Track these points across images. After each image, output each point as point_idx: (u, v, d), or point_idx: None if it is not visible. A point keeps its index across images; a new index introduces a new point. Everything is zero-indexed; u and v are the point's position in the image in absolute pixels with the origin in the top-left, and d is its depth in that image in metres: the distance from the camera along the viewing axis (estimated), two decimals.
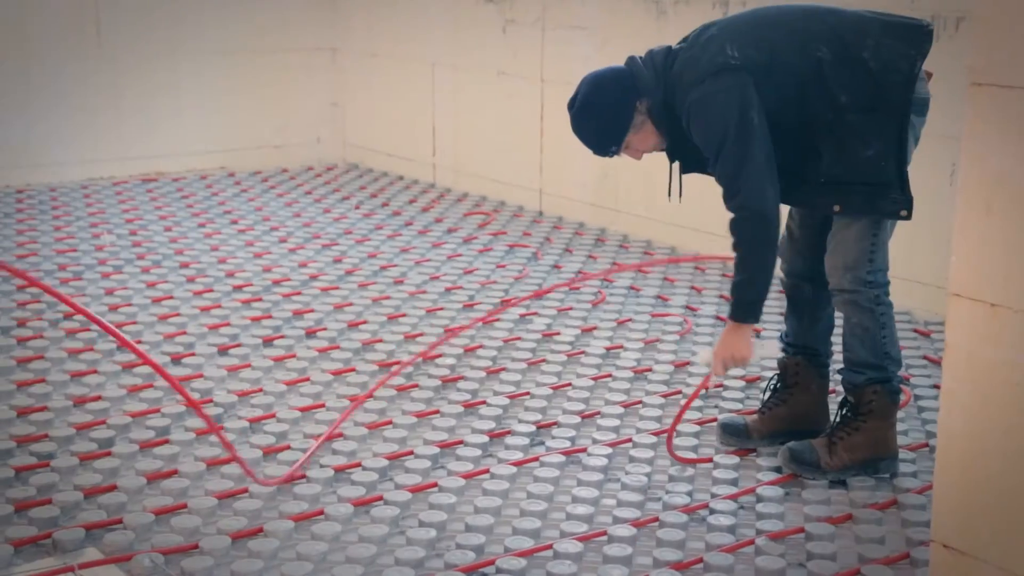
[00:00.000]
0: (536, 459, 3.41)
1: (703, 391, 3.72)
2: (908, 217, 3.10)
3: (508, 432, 3.58)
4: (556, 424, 3.66)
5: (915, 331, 4.47)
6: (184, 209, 6.19)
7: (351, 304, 4.74)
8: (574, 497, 3.20)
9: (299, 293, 4.87)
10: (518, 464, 3.38)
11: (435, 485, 3.24)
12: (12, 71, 6.35)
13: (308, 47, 7.30)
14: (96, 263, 5.17)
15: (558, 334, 4.46)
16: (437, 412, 3.74)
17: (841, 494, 3.24)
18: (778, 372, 3.50)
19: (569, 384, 3.98)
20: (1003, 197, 2.37)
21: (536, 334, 4.46)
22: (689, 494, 3.22)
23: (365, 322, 4.54)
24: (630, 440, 3.53)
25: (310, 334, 4.42)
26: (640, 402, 3.83)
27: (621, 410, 3.76)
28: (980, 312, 2.41)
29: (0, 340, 4.22)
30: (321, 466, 3.34)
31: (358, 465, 3.35)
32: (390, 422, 3.64)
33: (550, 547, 2.93)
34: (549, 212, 6.26)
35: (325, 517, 3.07)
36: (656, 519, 3.07)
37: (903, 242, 4.72)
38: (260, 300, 4.77)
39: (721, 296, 4.91)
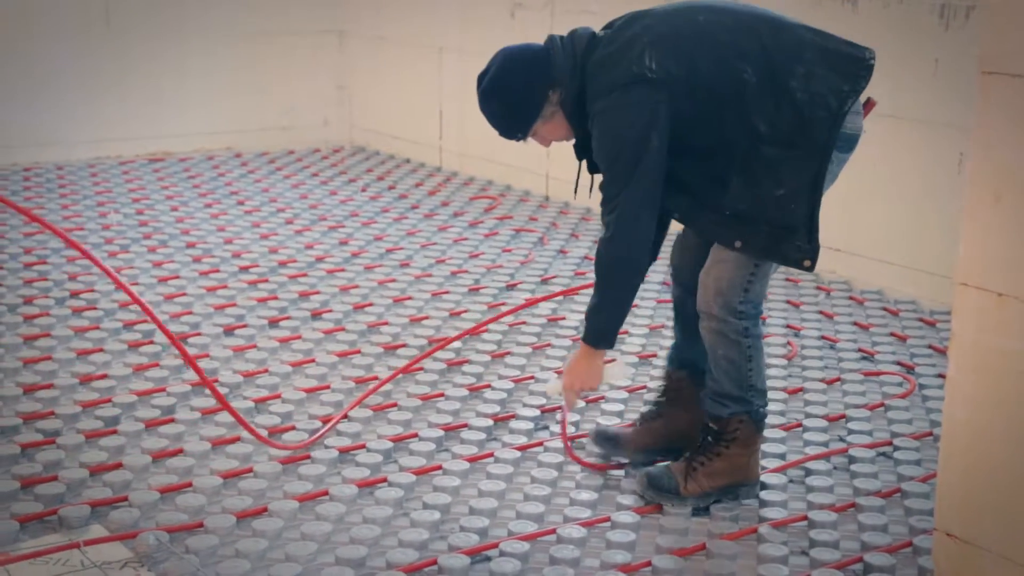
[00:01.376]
0: (540, 444, 3.42)
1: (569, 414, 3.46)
2: (811, 268, 2.89)
3: (512, 416, 3.59)
4: (560, 409, 3.66)
5: (920, 320, 4.47)
6: (191, 189, 6.19)
7: (357, 286, 4.75)
8: (578, 483, 3.21)
9: (305, 275, 4.88)
10: (522, 448, 3.39)
11: (439, 468, 3.25)
12: (20, 50, 6.34)
13: (315, 30, 7.29)
14: (103, 242, 5.18)
15: (563, 319, 4.47)
16: (442, 395, 3.75)
17: (844, 482, 3.24)
18: (660, 384, 3.36)
19: None
20: (1012, 186, 2.37)
21: (542, 319, 4.46)
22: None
23: (371, 304, 4.54)
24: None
25: (316, 315, 4.42)
26: (645, 387, 3.83)
27: (625, 395, 3.76)
28: (987, 301, 2.41)
29: (7, 317, 4.24)
30: (326, 447, 3.35)
31: (363, 447, 3.36)
32: (395, 404, 3.65)
33: (553, 531, 2.94)
34: (556, 197, 6.26)
35: (329, 498, 3.08)
36: (659, 508, 3.08)
37: (910, 230, 4.73)
38: (266, 281, 4.78)
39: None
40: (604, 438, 3.30)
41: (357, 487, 3.13)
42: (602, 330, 3.00)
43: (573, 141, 3.07)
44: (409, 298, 4.64)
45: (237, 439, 3.38)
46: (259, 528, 2.91)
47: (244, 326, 4.28)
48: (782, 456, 3.37)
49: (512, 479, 3.23)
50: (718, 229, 2.94)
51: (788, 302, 4.69)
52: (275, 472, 3.21)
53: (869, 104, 3.01)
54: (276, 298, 4.58)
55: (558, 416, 3.39)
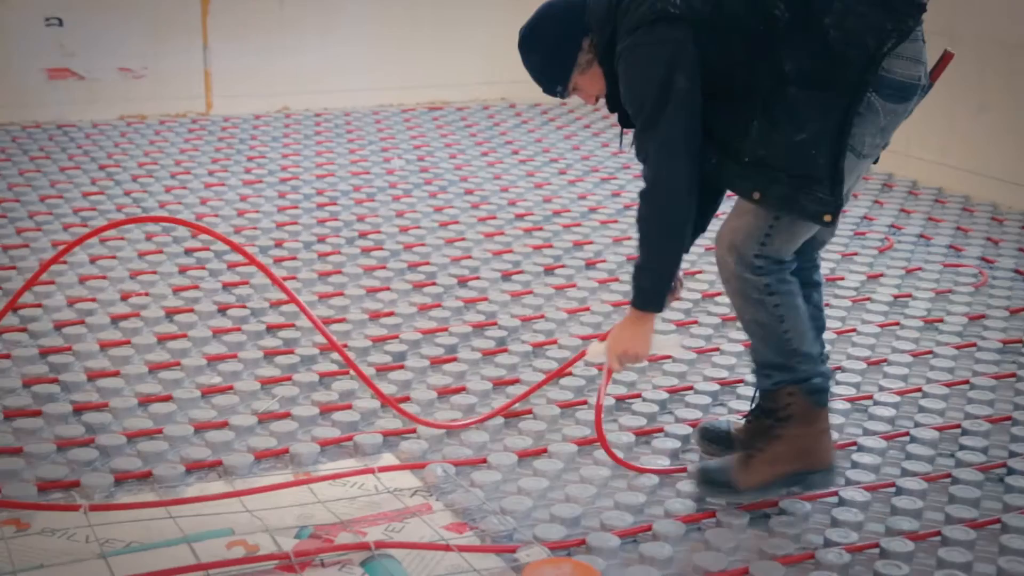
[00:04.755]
0: None
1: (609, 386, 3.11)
2: (832, 224, 2.64)
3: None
4: (840, 369, 3.58)
5: None
6: (468, 138, 6.35)
7: (628, 237, 4.77)
8: (860, 446, 3.12)
9: (579, 224, 4.94)
10: None
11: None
12: (321, 4, 6.67)
13: None
14: (387, 186, 5.40)
15: (842, 279, 4.35)
16: (717, 349, 3.72)
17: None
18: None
19: (854, 330, 3.88)
20: None
21: None
22: (984, 450, 3.09)
23: None
24: (920, 390, 3.41)
25: (590, 265, 4.47)
26: (931, 352, 3.69)
27: (910, 359, 3.63)
28: None
29: (303, 254, 4.47)
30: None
31: (638, 396, 3.39)
32: (668, 357, 3.65)
33: (835, 493, 2.88)
34: None
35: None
36: (948, 475, 2.96)
37: None
38: (541, 229, 4.86)
39: (1020, 249, 4.65)
40: (713, 436, 3.03)
41: (634, 435, 3.16)
42: (649, 291, 2.75)
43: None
44: None
45: (517, 380, 3.47)
46: (540, 468, 2.98)
47: (520, 272, 4.37)
48: None
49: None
50: (738, 180, 2.68)
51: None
52: (553, 415, 3.28)
53: (945, 58, 2.70)
54: (551, 246, 4.65)
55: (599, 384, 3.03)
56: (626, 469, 2.96)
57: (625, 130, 2.87)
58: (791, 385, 2.73)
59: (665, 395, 3.38)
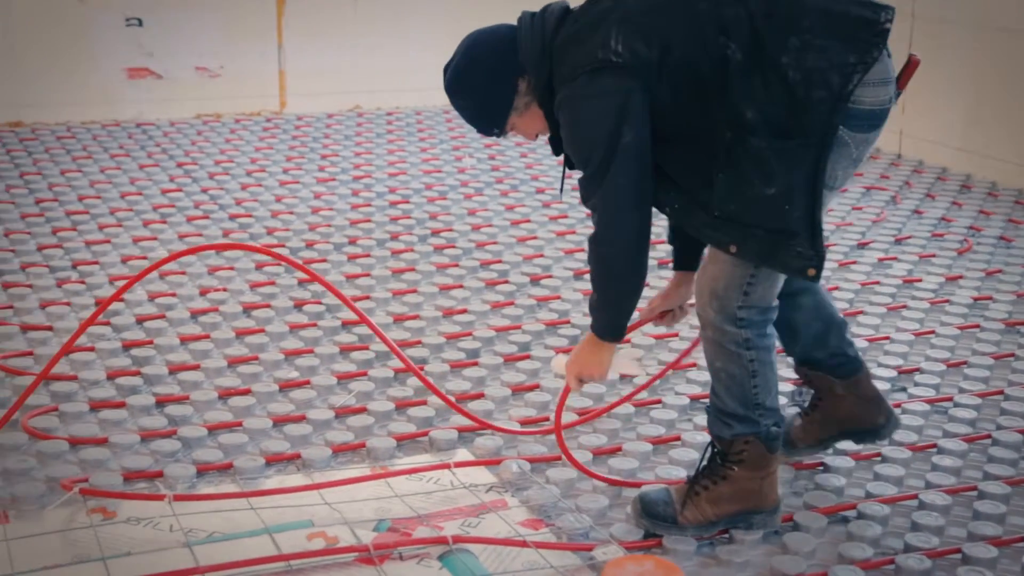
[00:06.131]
0: (898, 405, 3.31)
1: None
2: (816, 278, 2.46)
3: None
4: (919, 370, 3.54)
5: None
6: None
7: None
8: (940, 448, 3.08)
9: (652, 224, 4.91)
10: None
11: None
12: (391, 5, 6.73)
13: None
14: (458, 184, 5.42)
15: (920, 280, 4.29)
16: None
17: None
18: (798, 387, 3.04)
19: (933, 331, 3.83)
20: None
21: (896, 279, 4.30)
22: None
23: None
24: (1002, 392, 3.36)
25: (662, 264, 4.45)
26: (1013, 355, 3.63)
27: (991, 361, 3.58)
28: None
29: (376, 251, 4.51)
30: (676, 393, 3.38)
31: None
32: None
33: (915, 496, 2.85)
34: (909, 155, 5.98)
35: (681, 443, 3.10)
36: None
37: None
38: None
39: None
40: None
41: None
42: (607, 325, 2.63)
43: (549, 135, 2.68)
44: None
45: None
46: (615, 466, 2.98)
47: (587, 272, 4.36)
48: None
49: None
50: (710, 232, 2.51)
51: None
52: (627, 413, 3.28)
53: (911, 65, 2.53)
54: None
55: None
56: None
57: (569, 173, 2.72)
58: (749, 436, 2.64)
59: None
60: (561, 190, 2.87)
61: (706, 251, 2.63)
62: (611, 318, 2.63)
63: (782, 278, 2.58)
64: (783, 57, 2.37)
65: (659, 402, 3.33)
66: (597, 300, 2.63)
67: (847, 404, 2.87)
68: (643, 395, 3.35)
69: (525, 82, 2.59)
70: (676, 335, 3.78)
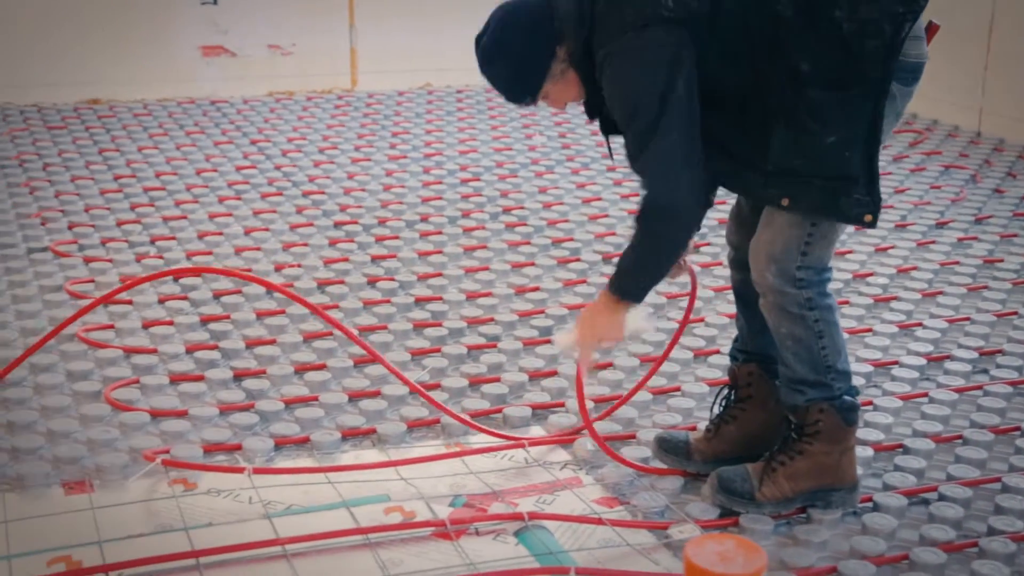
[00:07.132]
0: (980, 387, 3.26)
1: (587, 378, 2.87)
2: (873, 224, 2.46)
3: (947, 356, 3.44)
4: (1001, 352, 3.47)
5: None
6: None
7: None
8: (965, 439, 3.02)
9: (723, 203, 4.86)
10: (959, 391, 3.25)
11: (870, 403, 3.18)
12: None
13: None
14: (529, 163, 5.41)
15: (1001, 261, 4.21)
16: (870, 330, 3.65)
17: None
18: (727, 383, 2.88)
19: (1015, 313, 3.76)
20: None
21: (976, 260, 4.23)
22: None
23: None
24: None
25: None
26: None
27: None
28: None
29: (448, 228, 4.52)
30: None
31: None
32: None
33: (998, 480, 2.80)
34: (989, 133, 5.86)
35: None
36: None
37: None
38: None
39: None
40: (668, 447, 2.85)
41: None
42: (633, 286, 2.59)
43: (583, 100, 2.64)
44: None
45: (665, 358, 3.45)
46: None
47: None
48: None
49: (948, 421, 3.10)
50: (760, 191, 2.51)
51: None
52: (702, 392, 3.26)
53: (932, 29, 2.55)
54: None
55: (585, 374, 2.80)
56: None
57: (611, 137, 2.66)
58: (824, 402, 2.61)
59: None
60: (611, 155, 2.74)
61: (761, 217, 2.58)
62: (641, 282, 2.60)
63: (837, 238, 2.58)
64: (835, 10, 2.38)
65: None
66: (633, 263, 2.58)
67: (767, 421, 2.78)
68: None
69: (563, 48, 2.56)
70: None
